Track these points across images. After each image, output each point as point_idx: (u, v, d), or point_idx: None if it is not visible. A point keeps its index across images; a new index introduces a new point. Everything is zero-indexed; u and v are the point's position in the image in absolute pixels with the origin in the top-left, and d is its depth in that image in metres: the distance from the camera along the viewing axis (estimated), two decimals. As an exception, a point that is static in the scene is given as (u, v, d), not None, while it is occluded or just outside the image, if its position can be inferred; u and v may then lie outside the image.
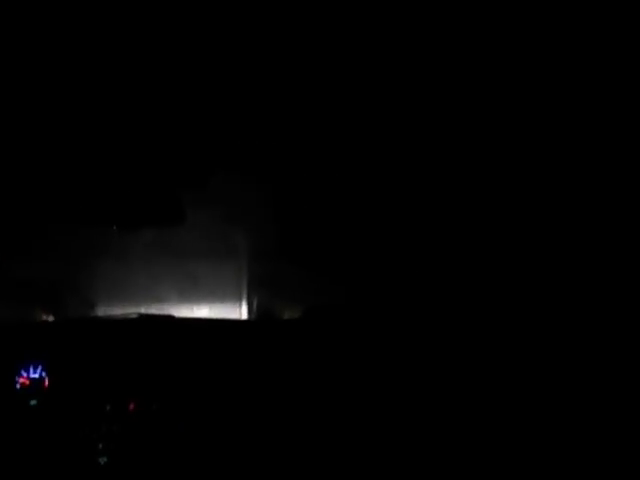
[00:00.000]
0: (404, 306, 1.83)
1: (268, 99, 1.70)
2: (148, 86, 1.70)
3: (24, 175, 1.89)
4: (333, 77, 1.69)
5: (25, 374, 1.72)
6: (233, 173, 1.74)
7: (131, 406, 1.71)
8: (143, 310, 1.89)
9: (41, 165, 1.87)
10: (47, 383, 1.73)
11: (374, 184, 1.83)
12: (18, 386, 1.71)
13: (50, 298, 2.01)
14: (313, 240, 1.77)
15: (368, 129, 1.79)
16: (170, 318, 1.89)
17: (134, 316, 1.88)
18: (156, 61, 1.64)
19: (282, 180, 1.77)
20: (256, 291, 1.78)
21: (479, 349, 1.74)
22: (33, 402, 1.70)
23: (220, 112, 1.71)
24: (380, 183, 1.84)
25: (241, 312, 1.85)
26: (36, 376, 1.73)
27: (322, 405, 1.72)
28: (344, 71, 1.68)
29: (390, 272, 1.85)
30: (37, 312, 1.99)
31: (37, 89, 1.72)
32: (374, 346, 1.77)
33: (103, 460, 1.64)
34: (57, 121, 1.79)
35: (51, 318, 1.98)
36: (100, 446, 1.65)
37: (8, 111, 1.74)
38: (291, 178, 1.76)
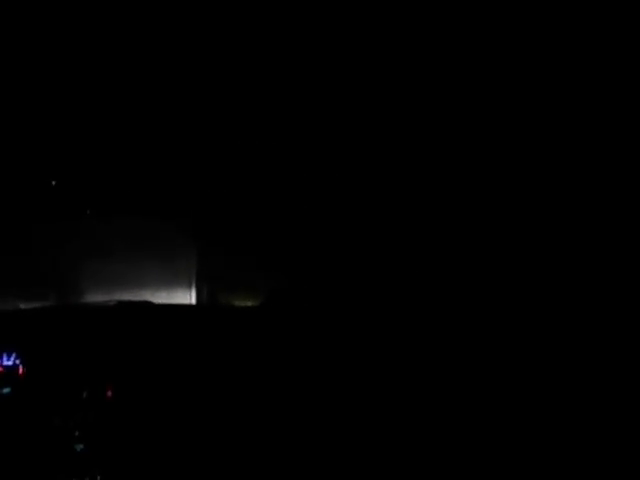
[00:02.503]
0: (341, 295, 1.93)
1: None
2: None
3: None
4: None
5: (-2, 361, 1.68)
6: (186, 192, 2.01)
7: (108, 393, 1.69)
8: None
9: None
10: (22, 371, 1.69)
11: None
12: (-9, 373, 1.67)
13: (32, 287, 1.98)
14: (248, 243, 2.05)
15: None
16: (148, 304, 1.87)
17: (112, 303, 1.86)
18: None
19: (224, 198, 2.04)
20: (203, 281, 2.07)
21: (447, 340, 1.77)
22: (6, 390, 1.66)
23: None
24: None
25: (191, 297, 2.09)
26: (10, 364, 1.69)
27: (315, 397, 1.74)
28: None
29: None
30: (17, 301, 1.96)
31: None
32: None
33: (79, 447, 1.61)
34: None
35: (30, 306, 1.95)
36: (76, 433, 1.62)
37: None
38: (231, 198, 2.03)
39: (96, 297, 1.97)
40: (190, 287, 2.09)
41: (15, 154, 1.94)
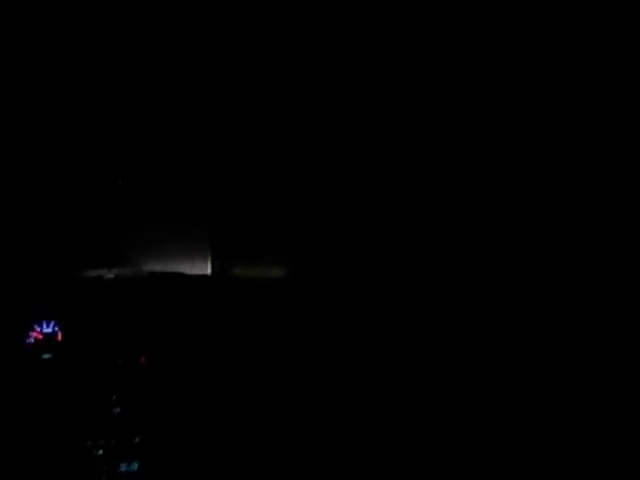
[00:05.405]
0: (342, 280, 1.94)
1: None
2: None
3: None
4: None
5: (38, 328, 1.75)
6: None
7: (142, 360, 1.75)
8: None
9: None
10: (60, 338, 1.76)
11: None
12: (32, 340, 1.74)
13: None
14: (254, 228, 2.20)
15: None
16: (180, 276, 1.92)
17: (145, 274, 1.92)
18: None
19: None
20: (216, 257, 2.22)
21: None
22: (46, 356, 1.74)
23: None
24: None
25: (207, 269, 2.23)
26: (49, 331, 1.76)
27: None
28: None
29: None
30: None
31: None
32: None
33: (116, 410, 1.68)
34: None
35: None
36: (113, 397, 1.69)
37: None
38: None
39: (128, 269, 2.03)
40: (206, 262, 2.22)
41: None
